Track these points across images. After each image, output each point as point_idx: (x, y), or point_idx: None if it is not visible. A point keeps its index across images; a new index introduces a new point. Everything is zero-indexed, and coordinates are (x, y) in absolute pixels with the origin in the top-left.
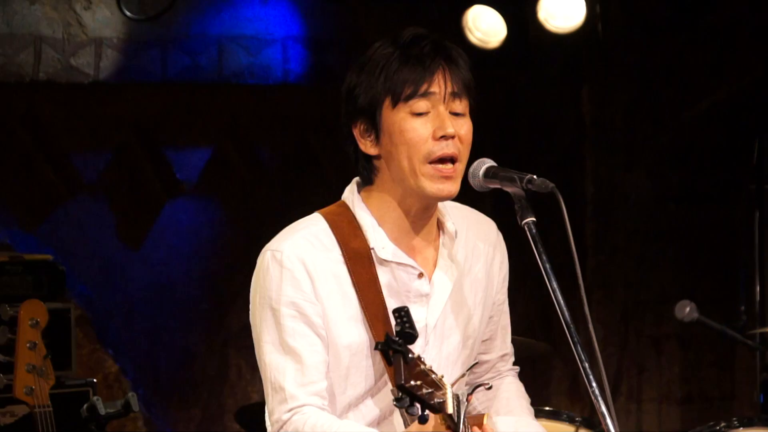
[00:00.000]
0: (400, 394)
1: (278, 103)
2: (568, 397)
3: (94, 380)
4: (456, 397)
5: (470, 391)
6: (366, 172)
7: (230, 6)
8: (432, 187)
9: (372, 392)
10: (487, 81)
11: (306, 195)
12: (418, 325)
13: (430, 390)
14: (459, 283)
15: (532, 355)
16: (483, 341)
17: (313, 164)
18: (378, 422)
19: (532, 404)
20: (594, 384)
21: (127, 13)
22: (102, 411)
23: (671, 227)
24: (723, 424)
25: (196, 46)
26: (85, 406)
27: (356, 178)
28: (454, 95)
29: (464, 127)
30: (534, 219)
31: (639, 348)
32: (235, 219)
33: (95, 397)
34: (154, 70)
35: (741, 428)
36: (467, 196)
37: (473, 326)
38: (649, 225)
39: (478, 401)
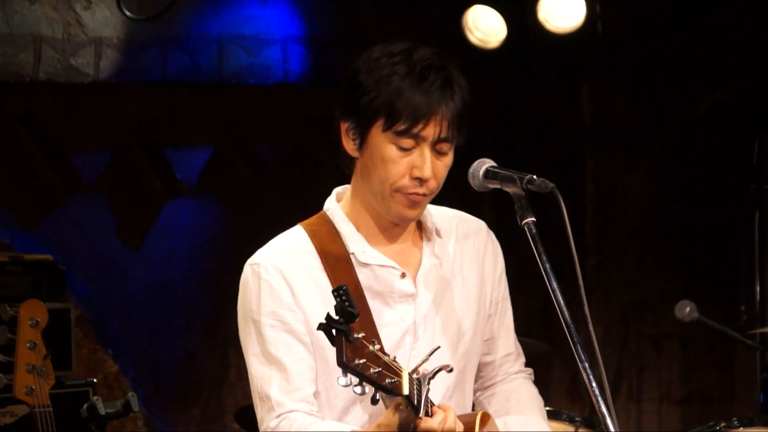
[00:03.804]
0: (345, 373)
1: (278, 103)
2: (568, 397)
3: (94, 380)
4: (416, 380)
5: (432, 375)
6: (345, 167)
7: (230, 6)
8: (398, 210)
9: (362, 399)
10: (487, 81)
11: (306, 195)
12: (405, 322)
13: (378, 370)
14: (447, 281)
15: (532, 355)
16: (485, 341)
17: (313, 164)
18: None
19: None
20: (594, 384)
21: (127, 13)
22: (102, 411)
23: (671, 227)
24: (723, 424)
25: (196, 46)
26: (85, 406)
27: (336, 189)
28: (443, 140)
29: (442, 166)
30: (534, 219)
31: (639, 348)
32: (235, 219)
33: (95, 397)
34: (154, 70)
35: (741, 428)
36: (467, 195)
37: (468, 323)
38: (649, 225)
39: (490, 405)
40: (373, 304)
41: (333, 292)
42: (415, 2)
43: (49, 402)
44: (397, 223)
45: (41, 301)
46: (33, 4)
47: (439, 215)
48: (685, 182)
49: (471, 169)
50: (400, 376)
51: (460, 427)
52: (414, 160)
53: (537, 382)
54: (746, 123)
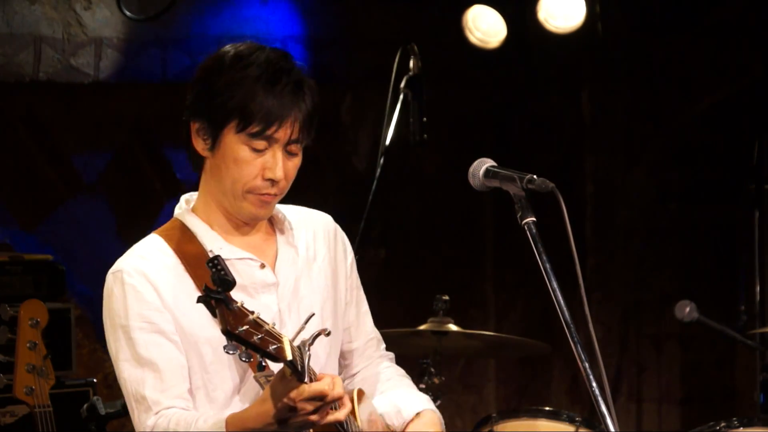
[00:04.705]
0: (230, 341)
1: None
2: (568, 397)
3: (94, 380)
4: (297, 347)
5: (311, 340)
6: (194, 166)
7: (230, 6)
8: (249, 210)
9: (240, 388)
10: (487, 81)
11: (305, 195)
12: (271, 311)
13: (261, 336)
14: (305, 269)
15: (532, 355)
16: (345, 329)
17: (313, 164)
18: None
19: (532, 404)
20: (594, 384)
21: (127, 13)
22: (102, 411)
23: (671, 227)
24: (723, 424)
25: (196, 46)
26: (85, 406)
27: (183, 196)
28: (294, 141)
29: (293, 167)
30: (534, 219)
31: (639, 348)
32: None
33: (95, 397)
34: (154, 70)
35: (741, 428)
36: (467, 195)
37: (328, 311)
38: (649, 225)
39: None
40: (236, 296)
41: (207, 263)
42: (415, 2)
43: (49, 402)
44: (247, 223)
45: (41, 301)
46: (33, 4)
47: (287, 210)
48: (685, 182)
49: (471, 169)
50: (281, 342)
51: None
52: (266, 162)
53: (537, 382)
54: (746, 123)
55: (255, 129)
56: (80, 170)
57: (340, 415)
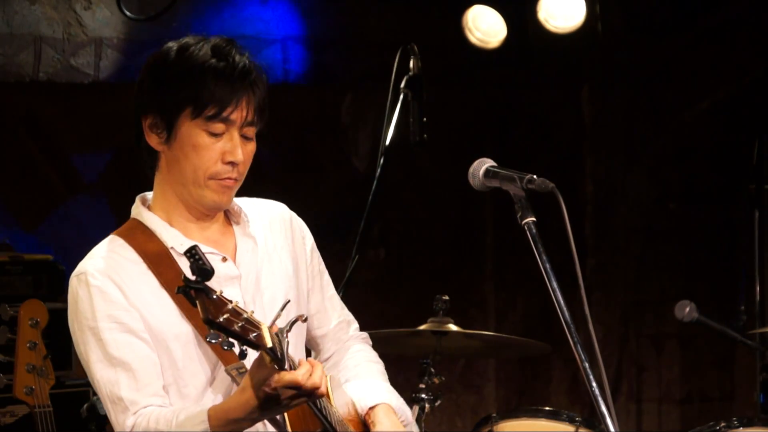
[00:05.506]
0: (211, 330)
1: (278, 103)
2: (568, 397)
3: None
4: (275, 334)
5: (288, 327)
6: (148, 163)
7: (230, 6)
8: (212, 197)
9: (211, 382)
10: (487, 81)
11: (305, 195)
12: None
13: (241, 324)
14: (265, 260)
15: (532, 355)
16: (312, 316)
17: (313, 164)
18: None
19: (532, 404)
20: (594, 384)
21: (127, 13)
22: (102, 411)
23: (671, 227)
24: (723, 424)
25: None
26: (85, 406)
27: (138, 196)
28: (250, 123)
29: (249, 152)
30: (534, 219)
31: (639, 348)
32: None
33: (95, 397)
34: None
35: (741, 428)
36: (467, 195)
37: (293, 298)
38: (649, 225)
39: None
40: None
41: (185, 253)
42: (415, 2)
43: (49, 402)
44: (207, 213)
45: (41, 301)
46: (33, 4)
47: (241, 202)
48: (685, 182)
49: (471, 169)
50: (260, 329)
51: (325, 383)
52: (225, 146)
53: (537, 382)
54: (746, 123)
55: (211, 111)
56: (80, 170)
57: (322, 390)
